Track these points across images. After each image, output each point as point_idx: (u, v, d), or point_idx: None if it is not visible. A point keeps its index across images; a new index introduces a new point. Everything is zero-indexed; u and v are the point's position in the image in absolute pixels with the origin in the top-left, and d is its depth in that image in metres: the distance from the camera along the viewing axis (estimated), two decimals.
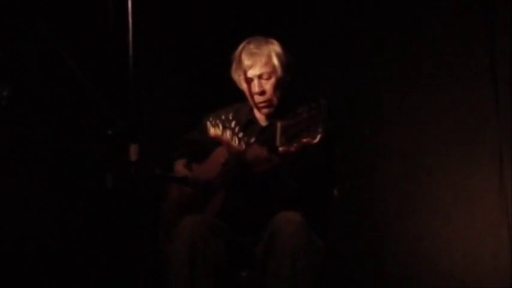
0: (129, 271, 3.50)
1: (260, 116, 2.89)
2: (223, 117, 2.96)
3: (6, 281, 3.54)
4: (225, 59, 2.91)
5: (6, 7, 3.44)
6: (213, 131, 2.94)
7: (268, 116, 2.86)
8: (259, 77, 2.80)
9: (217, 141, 2.91)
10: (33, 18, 3.42)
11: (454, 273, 3.89)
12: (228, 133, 2.92)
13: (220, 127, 2.94)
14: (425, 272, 3.93)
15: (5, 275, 3.53)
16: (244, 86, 2.84)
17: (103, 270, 3.66)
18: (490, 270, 3.81)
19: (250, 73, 2.81)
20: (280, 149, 2.45)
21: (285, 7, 4.20)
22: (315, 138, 2.35)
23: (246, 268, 2.68)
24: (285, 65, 2.81)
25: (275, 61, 2.79)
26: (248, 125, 2.91)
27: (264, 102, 2.82)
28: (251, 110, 2.92)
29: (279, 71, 2.80)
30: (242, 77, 2.83)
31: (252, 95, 2.82)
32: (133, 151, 2.58)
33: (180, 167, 2.94)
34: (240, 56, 2.82)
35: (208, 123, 2.97)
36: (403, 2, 4.02)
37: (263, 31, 2.94)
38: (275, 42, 2.84)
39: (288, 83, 2.84)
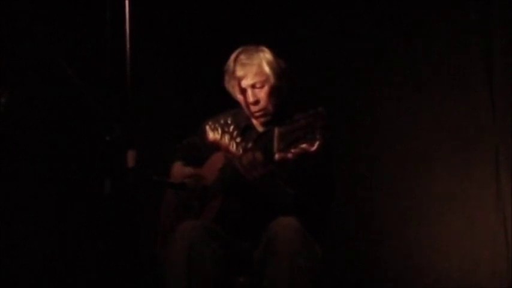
0: (126, 276, 3.50)
1: (257, 122, 2.89)
2: (222, 121, 2.95)
3: (5, 284, 3.54)
4: (223, 65, 2.90)
5: (4, 11, 3.44)
6: (212, 135, 2.94)
7: (265, 123, 2.86)
8: (253, 86, 2.80)
9: (216, 146, 2.91)
10: (31, 22, 3.42)
11: (452, 277, 3.90)
12: (226, 137, 2.92)
13: (219, 131, 2.94)
14: (423, 276, 3.93)
15: (4, 278, 3.53)
16: (239, 96, 2.85)
17: (101, 275, 3.66)
18: (488, 273, 3.82)
19: (243, 83, 2.81)
20: (277, 155, 2.44)
21: (282, 12, 4.20)
22: (313, 146, 2.35)
23: (244, 273, 2.68)
24: (277, 72, 2.81)
25: (266, 69, 2.79)
26: (246, 130, 2.91)
27: (259, 111, 2.82)
28: (249, 116, 2.91)
29: (272, 78, 2.80)
30: (236, 88, 2.83)
31: (247, 105, 2.83)
32: (131, 157, 2.58)
33: (178, 168, 2.94)
34: (231, 67, 2.82)
35: (208, 128, 2.97)
36: (400, 7, 4.03)
37: (261, 35, 2.95)
38: (266, 49, 2.83)
39: (283, 89, 2.83)
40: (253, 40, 2.89)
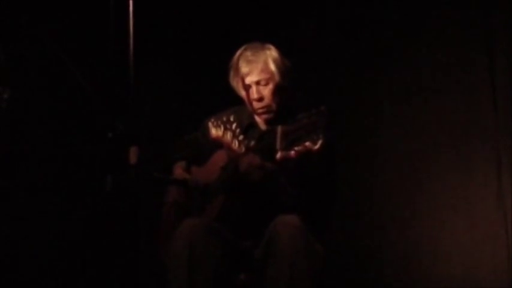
0: (128, 273, 3.51)
1: (260, 121, 2.89)
2: (224, 118, 2.96)
3: (6, 283, 3.54)
4: (226, 62, 2.91)
5: (6, 9, 3.45)
6: (215, 132, 2.94)
7: (268, 121, 2.86)
8: (257, 83, 2.80)
9: (218, 143, 2.91)
10: (34, 20, 3.43)
11: (453, 277, 3.89)
12: (228, 135, 2.92)
13: (222, 128, 2.94)
14: (424, 276, 3.93)
15: (4, 277, 3.54)
16: (242, 93, 2.85)
17: (102, 272, 3.66)
18: (488, 274, 3.82)
19: (248, 80, 2.81)
20: (280, 153, 2.45)
21: (285, 12, 4.21)
22: (316, 145, 2.35)
23: (245, 271, 2.68)
24: (282, 70, 2.81)
25: (272, 67, 2.79)
26: (248, 128, 2.91)
27: (262, 108, 2.82)
28: (252, 114, 2.91)
29: (277, 76, 2.80)
30: (240, 84, 2.83)
31: (250, 101, 2.82)
32: (133, 154, 2.59)
33: (179, 170, 2.95)
34: (237, 63, 2.82)
35: (210, 124, 2.97)
36: (401, 8, 4.03)
37: (263, 35, 2.94)
38: (272, 47, 2.84)
39: (287, 88, 2.83)
40: (254, 40, 2.90)
